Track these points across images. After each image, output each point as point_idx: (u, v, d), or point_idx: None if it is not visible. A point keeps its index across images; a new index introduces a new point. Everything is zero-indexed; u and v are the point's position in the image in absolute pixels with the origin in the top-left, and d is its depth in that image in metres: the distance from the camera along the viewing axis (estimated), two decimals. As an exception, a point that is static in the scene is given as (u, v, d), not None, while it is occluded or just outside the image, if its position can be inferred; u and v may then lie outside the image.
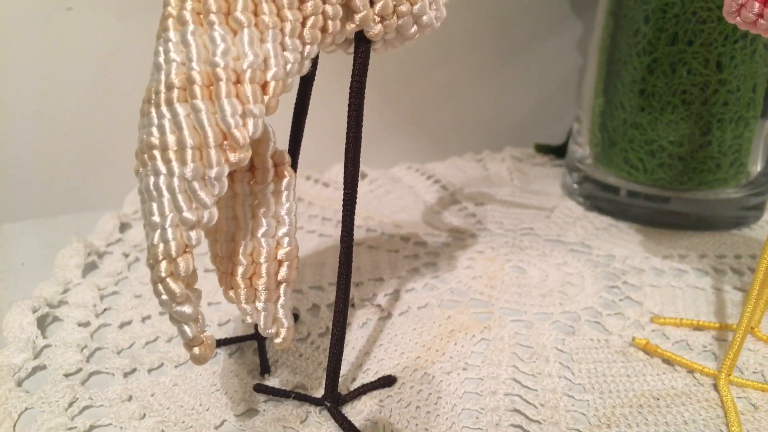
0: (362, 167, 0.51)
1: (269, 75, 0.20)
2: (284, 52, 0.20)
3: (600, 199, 0.47)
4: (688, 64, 0.42)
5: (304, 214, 0.44)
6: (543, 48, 0.62)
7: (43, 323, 0.31)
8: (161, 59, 0.20)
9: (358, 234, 0.42)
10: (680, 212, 0.45)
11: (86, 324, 0.31)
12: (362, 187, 0.49)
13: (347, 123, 0.23)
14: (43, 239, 0.40)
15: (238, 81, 0.19)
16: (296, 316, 0.32)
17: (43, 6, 0.42)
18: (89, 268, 0.36)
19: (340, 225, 0.24)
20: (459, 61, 0.58)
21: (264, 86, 0.20)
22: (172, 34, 0.20)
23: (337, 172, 0.51)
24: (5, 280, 0.35)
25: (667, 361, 0.30)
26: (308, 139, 0.28)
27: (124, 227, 0.41)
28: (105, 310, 0.32)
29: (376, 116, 0.54)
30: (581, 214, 0.46)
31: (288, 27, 0.20)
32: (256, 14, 0.20)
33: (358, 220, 0.42)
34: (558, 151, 0.57)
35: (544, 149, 0.58)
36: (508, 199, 0.48)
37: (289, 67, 0.20)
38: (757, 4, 0.25)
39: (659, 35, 0.42)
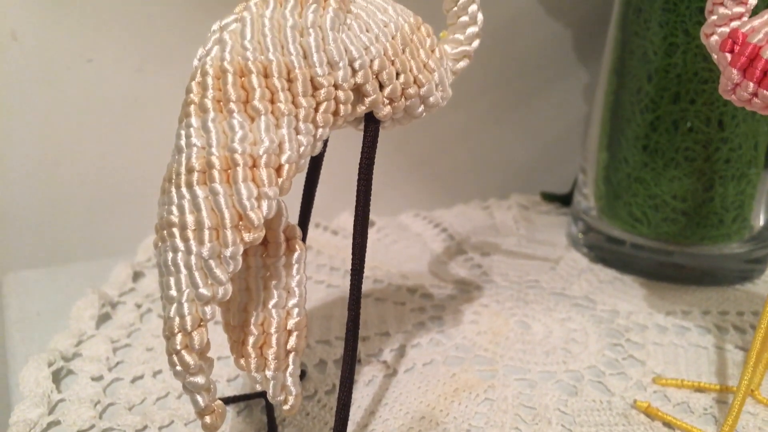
0: (371, 215, 0.52)
1: (283, 158, 0.21)
2: (298, 136, 0.22)
3: (605, 250, 0.48)
4: (690, 121, 0.43)
5: (312, 263, 0.45)
6: (549, 96, 0.63)
7: (57, 377, 0.32)
8: (183, 142, 0.21)
9: (366, 285, 0.43)
10: (684, 266, 0.45)
11: (99, 378, 0.32)
12: (371, 235, 0.50)
13: (356, 197, 0.24)
14: (58, 288, 0.41)
15: (255, 165, 0.21)
16: (303, 373, 0.33)
17: (65, 58, 0.43)
18: (103, 319, 0.37)
19: (348, 276, 0.25)
20: (466, 108, 0.59)
21: (278, 169, 0.21)
22: (194, 120, 0.21)
23: (345, 220, 0.52)
24: (22, 331, 0.36)
25: (668, 424, 0.30)
26: (318, 185, 0.29)
27: (137, 276, 0.42)
28: (118, 363, 0.33)
29: (385, 162, 0.55)
30: (586, 266, 0.47)
31: (302, 113, 0.21)
32: (272, 102, 0.21)
33: (366, 271, 0.43)
34: (564, 200, 0.58)
35: (549, 197, 0.59)
36: (514, 250, 0.49)
37: (302, 149, 0.22)
38: (751, 85, 0.26)
39: (662, 94, 0.43)
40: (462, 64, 0.26)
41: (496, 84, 0.59)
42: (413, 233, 0.52)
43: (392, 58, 0.23)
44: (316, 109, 0.22)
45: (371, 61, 0.23)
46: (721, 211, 0.44)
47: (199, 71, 0.22)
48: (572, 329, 0.38)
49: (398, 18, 0.24)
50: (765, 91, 0.26)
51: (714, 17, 0.28)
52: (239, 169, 0.20)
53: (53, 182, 0.45)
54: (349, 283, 0.25)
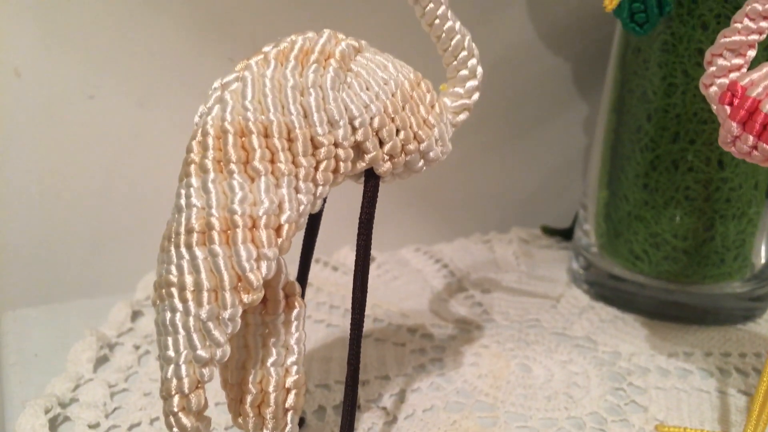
0: (371, 250, 0.52)
1: (283, 218, 0.21)
2: (298, 195, 0.22)
3: (606, 287, 0.47)
4: (690, 161, 0.43)
5: (312, 301, 0.45)
6: (549, 128, 0.63)
7: (54, 424, 0.31)
8: (183, 202, 0.21)
9: (366, 324, 0.42)
10: (686, 305, 0.45)
11: (96, 426, 0.31)
12: (371, 271, 0.50)
13: (356, 252, 0.24)
14: (57, 327, 0.40)
15: (254, 226, 0.21)
16: (302, 420, 0.33)
17: (66, 95, 0.44)
18: (101, 361, 0.37)
19: (348, 314, 0.25)
20: (467, 140, 0.59)
21: (278, 229, 0.21)
22: (194, 180, 0.21)
23: (345, 255, 0.52)
24: (19, 373, 0.36)
25: (672, 476, 0.30)
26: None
27: (135, 315, 0.42)
28: (115, 409, 0.33)
29: (385, 196, 0.55)
30: (587, 304, 0.47)
31: (302, 172, 0.21)
32: (272, 162, 0.21)
33: (366, 309, 0.43)
34: (565, 234, 0.58)
35: (550, 231, 0.59)
36: (515, 287, 0.49)
37: (302, 208, 0.22)
38: (751, 138, 0.26)
39: (662, 133, 0.43)
40: (462, 116, 0.26)
41: (496, 116, 0.60)
42: (414, 269, 0.51)
43: (392, 115, 0.23)
44: (316, 168, 0.22)
45: (371, 118, 0.23)
46: (722, 250, 0.44)
47: (200, 131, 0.22)
48: (574, 372, 0.38)
49: (398, 75, 0.24)
50: (765, 145, 0.26)
51: (713, 68, 0.28)
52: (239, 231, 0.20)
53: (53, 218, 0.45)
54: (348, 321, 0.25)
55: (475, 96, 0.26)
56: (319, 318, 0.43)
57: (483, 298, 0.47)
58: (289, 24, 0.49)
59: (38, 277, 0.45)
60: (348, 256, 0.52)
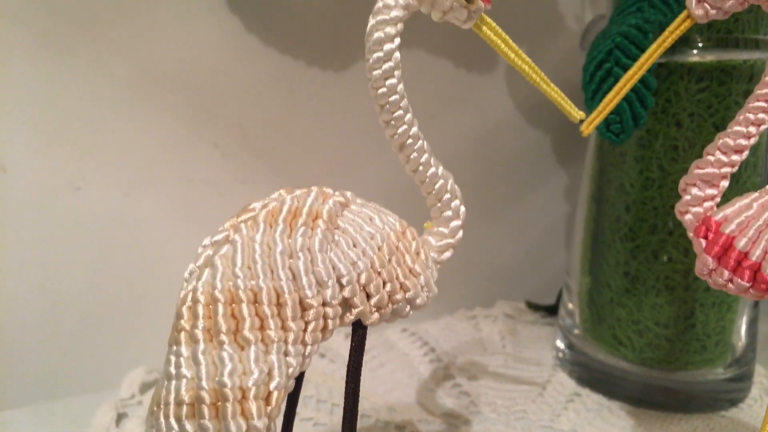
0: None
1: (272, 385, 0.21)
2: (287, 358, 0.22)
3: (590, 370, 0.48)
4: (669, 252, 0.44)
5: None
6: (531, 199, 0.64)
7: None
8: (173, 371, 0.21)
9: (353, 421, 0.42)
10: (670, 391, 0.46)
11: None
12: (357, 357, 0.50)
13: (344, 399, 0.25)
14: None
15: (244, 397, 0.21)
16: None
17: (52, 186, 0.44)
18: (86, 476, 0.36)
19: (336, 408, 0.25)
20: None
21: (267, 397, 0.21)
22: (184, 349, 0.21)
23: (332, 339, 0.52)
24: (1, 492, 0.35)
25: None
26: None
27: (120, 418, 0.41)
28: None
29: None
30: (573, 391, 0.47)
31: (291, 336, 0.22)
32: (262, 329, 0.22)
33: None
34: (549, 309, 0.59)
35: (535, 307, 0.59)
36: (501, 372, 0.49)
37: (291, 371, 0.22)
38: (726, 272, 0.27)
39: (640, 224, 0.44)
40: (446, 255, 0.27)
41: (478, 191, 0.61)
42: (400, 353, 0.52)
43: (379, 270, 0.24)
44: (305, 330, 0.22)
45: (359, 275, 0.23)
46: (702, 337, 0.45)
47: (190, 296, 0.22)
48: (561, 474, 0.38)
49: (384, 227, 0.24)
50: (739, 280, 0.27)
51: (687, 197, 0.29)
52: (228, 405, 0.20)
53: (35, 313, 0.45)
54: (336, 418, 0.25)
55: (459, 235, 0.27)
56: (306, 416, 0.43)
57: (470, 387, 0.47)
58: (274, 112, 0.50)
59: (22, 375, 0.45)
60: (334, 339, 0.52)
